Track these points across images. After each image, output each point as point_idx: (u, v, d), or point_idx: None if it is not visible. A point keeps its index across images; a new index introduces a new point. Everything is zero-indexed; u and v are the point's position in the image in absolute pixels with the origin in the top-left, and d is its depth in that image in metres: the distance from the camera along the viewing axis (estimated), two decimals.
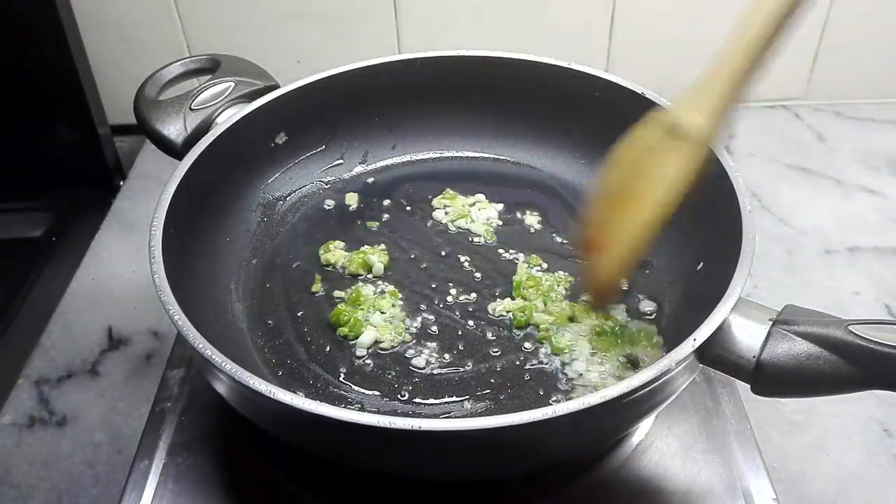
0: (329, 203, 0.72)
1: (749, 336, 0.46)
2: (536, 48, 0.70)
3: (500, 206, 0.71)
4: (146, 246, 0.52)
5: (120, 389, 0.67)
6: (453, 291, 0.63)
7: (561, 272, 0.64)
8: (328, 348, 0.59)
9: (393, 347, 0.59)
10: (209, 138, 0.63)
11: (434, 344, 0.59)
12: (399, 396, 0.55)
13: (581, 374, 0.56)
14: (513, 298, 0.61)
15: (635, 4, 0.92)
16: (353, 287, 0.63)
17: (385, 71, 0.72)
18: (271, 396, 0.43)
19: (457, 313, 0.61)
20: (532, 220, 0.69)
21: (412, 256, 0.66)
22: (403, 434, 0.41)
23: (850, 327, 0.44)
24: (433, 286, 0.63)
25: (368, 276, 0.64)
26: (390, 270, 0.65)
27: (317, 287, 0.63)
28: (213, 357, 0.45)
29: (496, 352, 0.58)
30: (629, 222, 0.53)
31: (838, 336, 0.44)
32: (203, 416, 0.59)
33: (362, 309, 0.61)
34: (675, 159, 0.51)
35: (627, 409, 0.46)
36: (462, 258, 0.66)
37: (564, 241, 0.67)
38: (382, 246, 0.66)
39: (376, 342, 0.59)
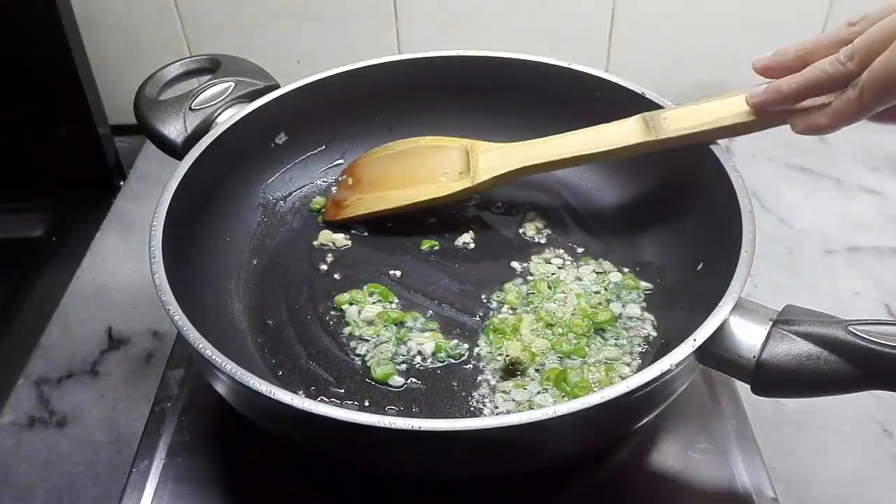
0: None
1: (749, 336, 0.46)
2: (536, 48, 0.70)
3: (500, 205, 0.71)
4: (146, 246, 0.52)
5: (120, 389, 0.67)
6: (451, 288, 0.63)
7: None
8: (328, 348, 0.59)
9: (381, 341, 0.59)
10: (209, 138, 0.63)
11: (430, 343, 0.59)
12: (398, 397, 0.55)
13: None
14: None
15: (635, 4, 0.92)
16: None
17: (385, 71, 0.71)
18: (271, 396, 0.43)
19: (456, 309, 0.61)
20: (532, 221, 0.69)
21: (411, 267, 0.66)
22: (403, 434, 0.41)
23: (850, 327, 0.44)
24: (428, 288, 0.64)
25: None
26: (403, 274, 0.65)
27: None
28: (213, 357, 0.45)
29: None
30: (393, 194, 0.67)
31: (838, 336, 0.44)
32: (203, 416, 0.59)
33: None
34: (454, 181, 0.66)
35: (627, 410, 0.46)
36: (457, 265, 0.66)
37: (572, 243, 0.67)
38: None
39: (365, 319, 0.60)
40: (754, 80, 0.99)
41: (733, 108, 0.57)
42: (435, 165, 0.67)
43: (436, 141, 0.69)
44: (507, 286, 0.63)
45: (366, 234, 0.69)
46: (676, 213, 0.64)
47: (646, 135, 0.59)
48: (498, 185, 0.66)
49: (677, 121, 0.59)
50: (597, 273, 0.64)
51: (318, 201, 0.71)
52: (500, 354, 0.57)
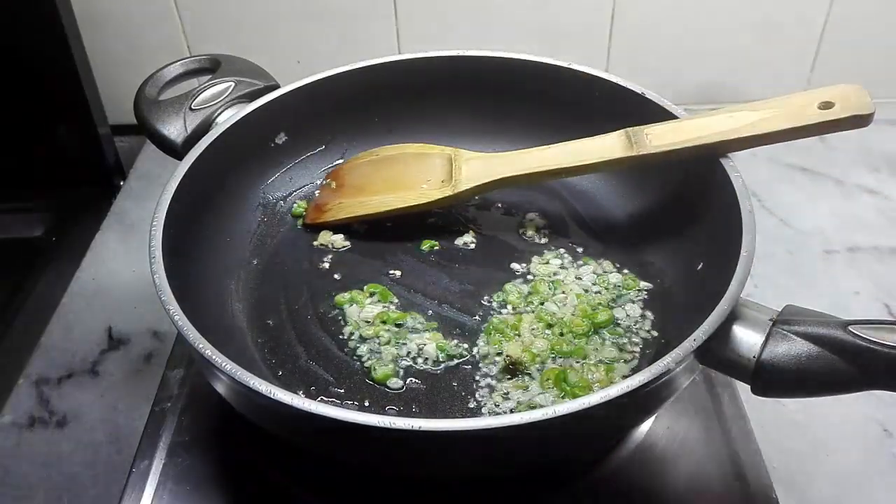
0: None
1: (749, 336, 0.46)
2: (536, 48, 0.70)
3: (500, 206, 0.71)
4: (146, 246, 0.53)
5: (120, 389, 0.67)
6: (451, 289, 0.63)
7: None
8: (328, 348, 0.59)
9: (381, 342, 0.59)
10: (209, 138, 0.63)
11: (431, 345, 0.59)
12: (397, 397, 0.55)
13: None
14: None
15: (635, 4, 0.92)
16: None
17: (385, 71, 0.71)
18: (271, 396, 0.43)
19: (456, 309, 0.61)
20: (532, 221, 0.69)
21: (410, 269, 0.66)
22: (403, 434, 0.41)
23: (850, 327, 0.44)
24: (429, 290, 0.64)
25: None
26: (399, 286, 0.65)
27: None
28: (213, 357, 0.45)
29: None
30: (374, 199, 0.67)
31: (838, 336, 0.44)
32: (203, 416, 0.59)
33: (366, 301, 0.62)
34: (435, 189, 0.66)
35: (627, 409, 0.46)
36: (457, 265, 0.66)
37: (572, 244, 0.67)
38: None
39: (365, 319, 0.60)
40: (754, 80, 1.00)
41: (717, 126, 0.57)
42: (417, 173, 0.68)
43: (420, 148, 0.69)
44: (507, 286, 0.63)
45: (366, 234, 0.69)
46: (676, 214, 0.64)
47: (627, 150, 0.59)
48: (479, 194, 0.66)
49: (660, 137, 0.59)
50: (597, 273, 0.64)
51: (301, 205, 0.71)
52: (500, 354, 0.57)
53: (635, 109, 0.64)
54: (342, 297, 0.62)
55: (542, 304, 0.61)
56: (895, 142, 0.93)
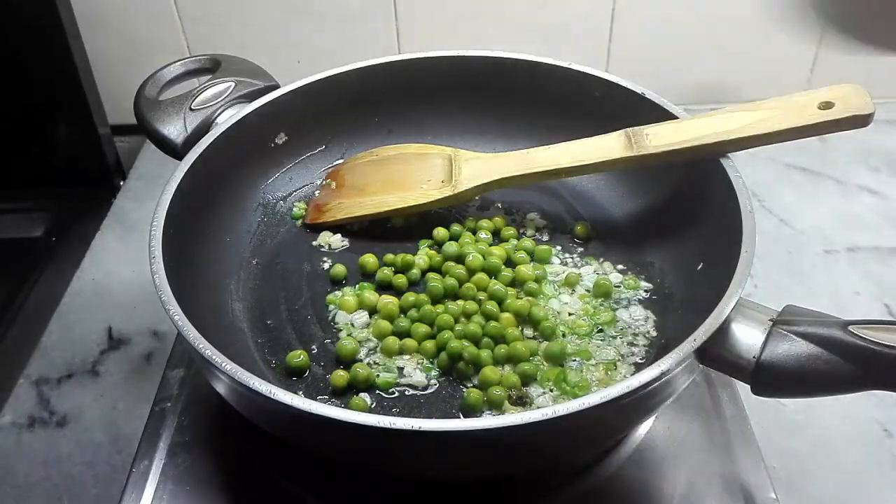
0: None
1: (749, 336, 0.46)
2: (537, 48, 0.70)
3: (500, 206, 0.71)
4: (146, 246, 0.52)
5: (120, 389, 0.67)
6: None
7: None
8: (328, 349, 0.59)
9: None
10: (209, 138, 0.63)
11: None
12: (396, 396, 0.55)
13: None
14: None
15: (635, 4, 0.92)
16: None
17: (385, 71, 0.71)
18: (271, 396, 0.43)
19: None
20: (532, 221, 0.69)
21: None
22: (403, 434, 0.41)
23: (850, 327, 0.44)
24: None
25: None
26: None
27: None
28: (213, 357, 0.45)
29: None
30: (374, 200, 0.67)
31: (838, 336, 0.44)
32: (203, 416, 0.59)
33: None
34: (435, 189, 0.66)
35: (627, 410, 0.46)
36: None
37: (572, 244, 0.67)
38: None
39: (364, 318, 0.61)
40: (753, 81, 1.00)
41: (717, 126, 0.57)
42: (417, 173, 0.68)
43: (421, 148, 0.69)
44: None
45: (365, 234, 0.69)
46: (676, 214, 0.64)
47: (627, 150, 0.59)
48: (479, 194, 0.66)
49: (660, 137, 0.59)
50: (597, 273, 0.64)
51: (301, 207, 0.71)
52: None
53: (635, 109, 0.64)
54: (343, 300, 0.62)
55: (543, 304, 0.61)
56: (895, 142, 0.93)
